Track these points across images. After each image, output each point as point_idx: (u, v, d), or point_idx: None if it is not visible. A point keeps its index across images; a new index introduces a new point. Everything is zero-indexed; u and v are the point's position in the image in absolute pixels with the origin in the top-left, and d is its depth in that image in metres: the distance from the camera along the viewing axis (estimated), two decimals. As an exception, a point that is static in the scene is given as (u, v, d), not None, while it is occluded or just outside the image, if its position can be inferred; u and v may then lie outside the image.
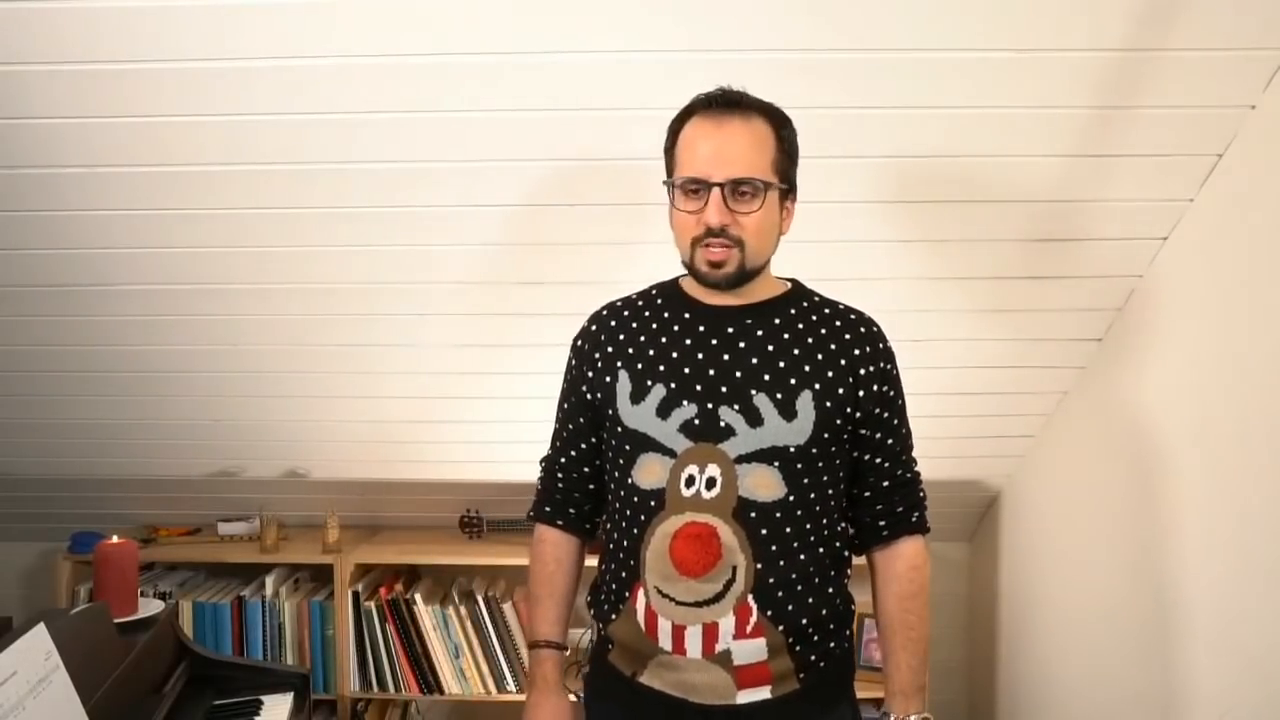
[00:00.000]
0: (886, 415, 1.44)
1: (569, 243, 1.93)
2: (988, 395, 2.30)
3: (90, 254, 1.95)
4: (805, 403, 1.36)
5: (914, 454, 1.52)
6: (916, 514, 1.49)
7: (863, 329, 1.44)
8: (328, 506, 2.61)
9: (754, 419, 1.35)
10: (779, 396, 1.36)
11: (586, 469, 1.53)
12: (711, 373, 1.37)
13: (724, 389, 1.36)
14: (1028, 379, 2.25)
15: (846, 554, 1.48)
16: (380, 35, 1.56)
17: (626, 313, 1.48)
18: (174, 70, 1.60)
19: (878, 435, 1.44)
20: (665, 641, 1.36)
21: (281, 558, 2.60)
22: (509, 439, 2.44)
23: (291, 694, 1.99)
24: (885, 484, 1.47)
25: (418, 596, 2.52)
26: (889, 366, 1.44)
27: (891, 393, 1.44)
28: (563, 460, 1.54)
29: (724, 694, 1.36)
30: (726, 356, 1.38)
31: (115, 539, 2.00)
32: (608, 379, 1.44)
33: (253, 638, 2.55)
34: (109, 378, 2.26)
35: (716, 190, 1.31)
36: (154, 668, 1.82)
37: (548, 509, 1.55)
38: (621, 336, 1.45)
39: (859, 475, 1.46)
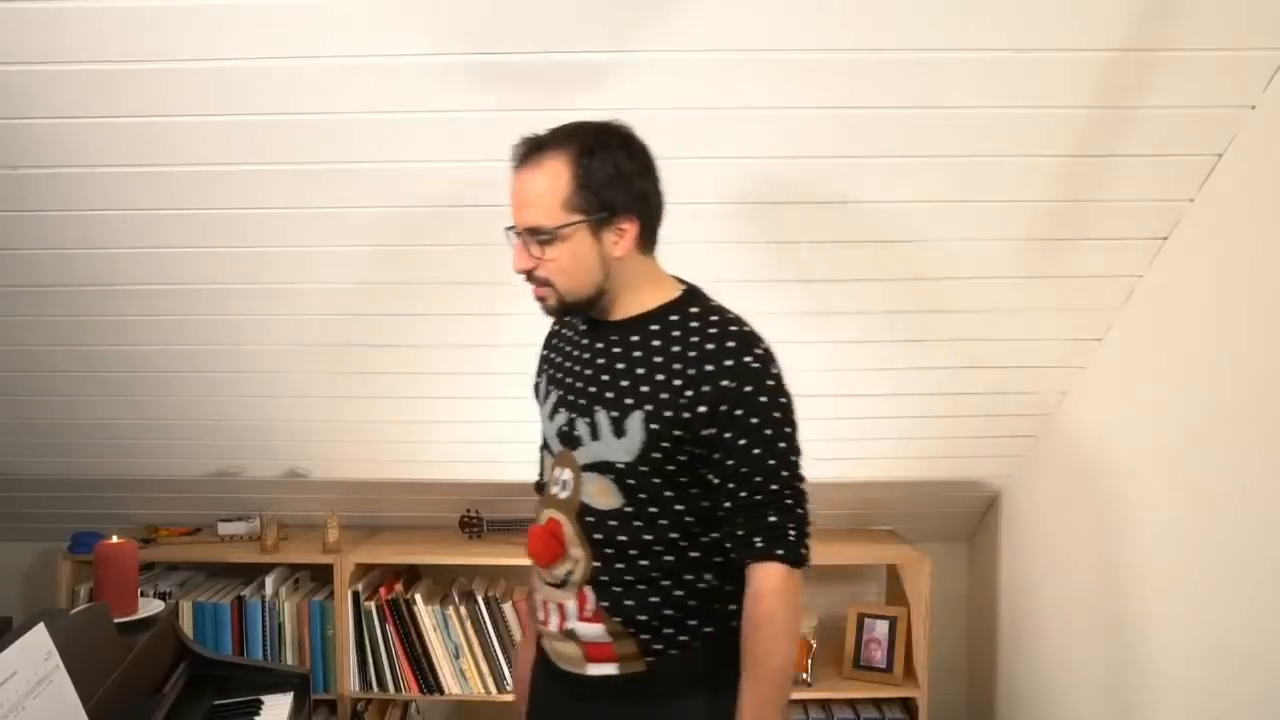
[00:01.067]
0: (729, 436, 1.36)
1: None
2: (988, 395, 2.30)
3: (90, 254, 1.95)
4: (635, 423, 1.39)
5: (785, 476, 1.38)
6: (761, 539, 1.37)
7: (711, 346, 1.37)
8: (328, 506, 2.61)
9: (595, 433, 1.43)
10: (614, 414, 1.41)
11: None
12: (579, 385, 1.47)
13: (582, 402, 1.45)
14: (1028, 379, 2.25)
15: (715, 558, 1.44)
16: (383, 35, 1.56)
17: (567, 317, 1.55)
18: (174, 71, 1.60)
19: (715, 455, 1.38)
20: (539, 613, 1.53)
21: (281, 558, 2.60)
22: (509, 439, 2.44)
23: (291, 694, 1.99)
24: (728, 505, 1.39)
25: (418, 596, 2.52)
26: (734, 384, 1.35)
27: (738, 413, 1.35)
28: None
29: (577, 664, 1.47)
30: (589, 371, 1.46)
31: (115, 539, 2.00)
32: (538, 380, 1.60)
33: (253, 638, 2.55)
34: (109, 378, 2.27)
35: (518, 239, 1.40)
36: (154, 668, 1.82)
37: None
38: (554, 341, 1.59)
39: (711, 493, 1.41)
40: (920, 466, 2.53)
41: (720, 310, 1.44)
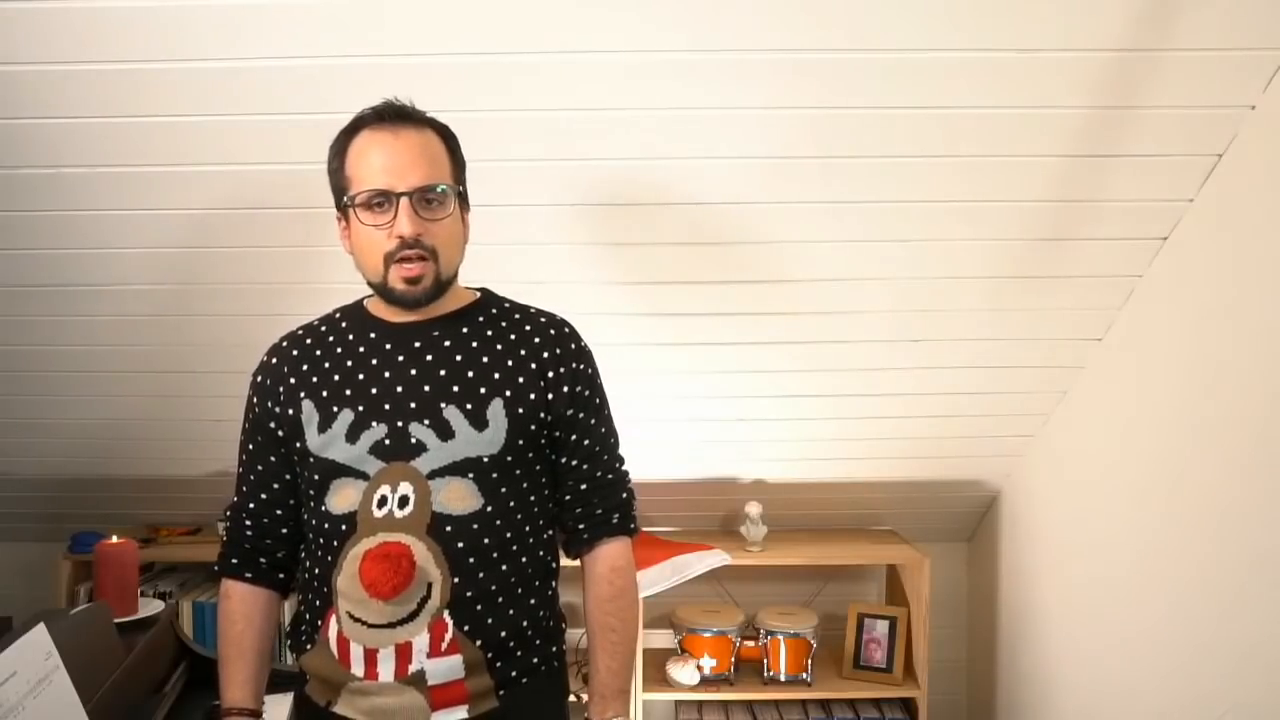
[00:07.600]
0: (581, 416, 1.40)
1: (567, 242, 1.93)
2: (988, 395, 2.30)
3: (93, 254, 1.95)
4: (496, 411, 1.34)
5: (620, 455, 1.46)
6: (617, 515, 1.42)
7: (553, 331, 1.41)
8: (328, 506, 2.61)
9: (445, 432, 1.32)
10: (469, 407, 1.33)
11: (280, 512, 1.44)
12: (400, 390, 1.34)
13: (413, 405, 1.33)
14: (1028, 379, 2.26)
15: (554, 565, 1.43)
16: (393, 35, 1.57)
17: (309, 340, 1.43)
18: (182, 70, 1.60)
19: (573, 437, 1.40)
20: (358, 667, 1.32)
21: (281, 558, 2.60)
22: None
23: (292, 694, 1.98)
24: (584, 487, 1.41)
25: (418, 596, 2.52)
26: (582, 367, 1.41)
27: (586, 393, 1.41)
28: (252, 506, 1.45)
29: (418, 717, 1.32)
30: (414, 371, 1.35)
31: (115, 539, 2.00)
32: (291, 411, 1.38)
33: (253, 638, 2.55)
34: (109, 377, 2.26)
35: (405, 200, 1.28)
36: (154, 668, 1.82)
37: (234, 561, 1.44)
38: (304, 366, 1.40)
39: (559, 480, 1.42)
40: (920, 466, 2.53)
41: (526, 305, 1.46)
